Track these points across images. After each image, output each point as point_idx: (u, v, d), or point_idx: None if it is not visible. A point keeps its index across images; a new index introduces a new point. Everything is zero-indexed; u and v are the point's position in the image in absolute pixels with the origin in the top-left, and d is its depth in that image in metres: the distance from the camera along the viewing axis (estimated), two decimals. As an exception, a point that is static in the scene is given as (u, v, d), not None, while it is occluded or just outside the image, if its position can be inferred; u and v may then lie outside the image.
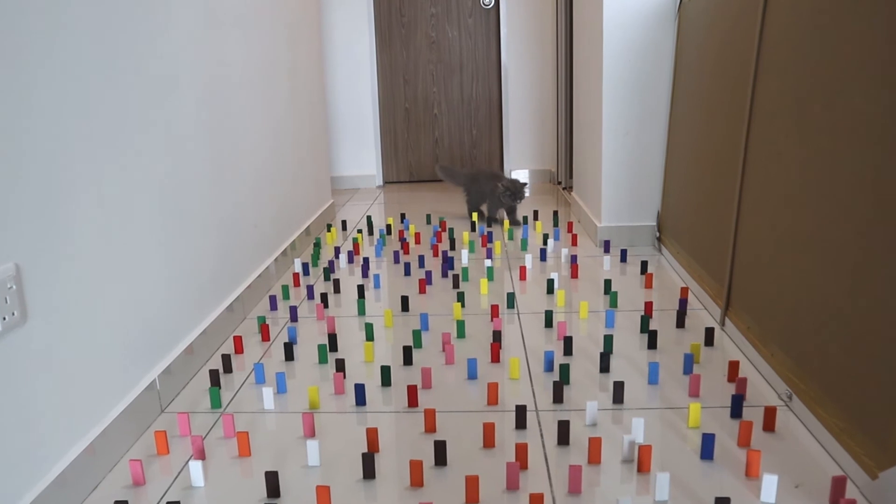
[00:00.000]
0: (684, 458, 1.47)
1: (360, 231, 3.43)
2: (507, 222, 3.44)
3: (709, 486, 1.38)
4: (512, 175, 4.97)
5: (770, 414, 1.55)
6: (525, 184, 3.47)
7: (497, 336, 2.05)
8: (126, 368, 1.64)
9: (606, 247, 2.99)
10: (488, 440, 1.54)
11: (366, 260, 2.85)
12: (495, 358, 1.97)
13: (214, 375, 1.86)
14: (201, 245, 2.08)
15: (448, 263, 2.81)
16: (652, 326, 2.17)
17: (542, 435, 1.58)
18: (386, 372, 1.84)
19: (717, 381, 1.80)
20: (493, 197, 3.53)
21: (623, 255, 2.87)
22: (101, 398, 1.53)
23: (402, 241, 3.15)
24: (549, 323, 2.20)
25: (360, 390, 1.75)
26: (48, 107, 1.34)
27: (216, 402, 1.78)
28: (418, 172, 5.13)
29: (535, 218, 3.65)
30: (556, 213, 3.55)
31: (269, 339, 2.19)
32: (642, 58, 2.86)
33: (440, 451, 1.47)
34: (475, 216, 3.61)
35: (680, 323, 2.15)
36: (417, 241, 3.29)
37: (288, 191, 3.05)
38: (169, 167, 1.87)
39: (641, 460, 1.42)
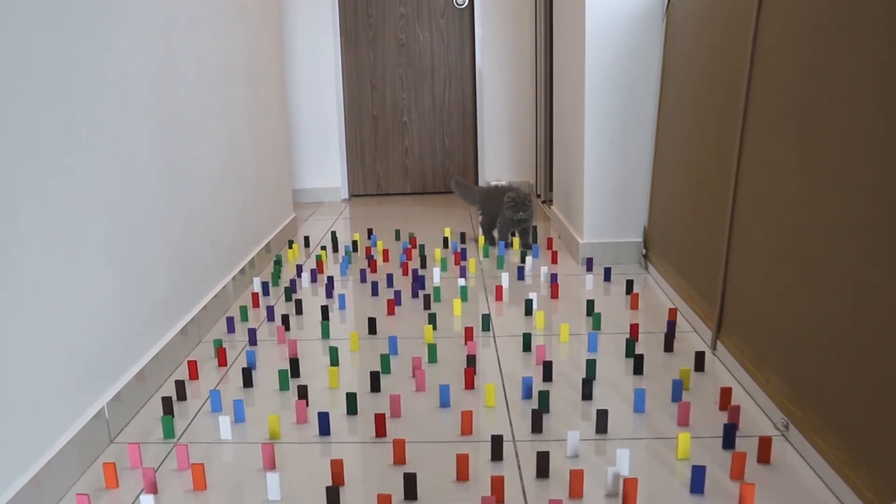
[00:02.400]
0: (673, 492, 1.48)
1: (323, 248, 3.43)
2: (516, 241, 3.41)
3: (698, 520, 1.40)
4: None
5: (765, 444, 1.57)
6: (528, 195, 3.33)
7: (471, 361, 2.06)
8: (72, 395, 1.63)
9: (589, 265, 3.01)
10: (462, 473, 1.54)
11: (330, 279, 2.85)
12: (469, 384, 1.97)
13: (167, 403, 1.85)
14: (153, 263, 2.07)
15: (419, 283, 2.82)
16: (638, 350, 2.19)
17: (519, 467, 1.59)
18: (352, 399, 1.84)
19: (707, 409, 1.82)
20: (503, 215, 3.38)
21: (607, 274, 2.89)
22: (46, 427, 1.52)
23: (370, 258, 3.16)
24: (527, 346, 2.21)
25: (324, 419, 1.75)
26: (-13, 111, 1.34)
27: (169, 432, 1.77)
28: (386, 185, 5.14)
29: (513, 233, 3.66)
30: (535, 228, 3.57)
31: (226, 364, 2.19)
32: (628, 61, 2.90)
33: (410, 484, 1.48)
34: (481, 240, 3.51)
35: (668, 346, 2.17)
36: (386, 259, 3.30)
37: (246, 205, 3.05)
38: (119, 179, 1.86)
39: (627, 494, 1.43)
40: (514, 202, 3.28)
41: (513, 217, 3.30)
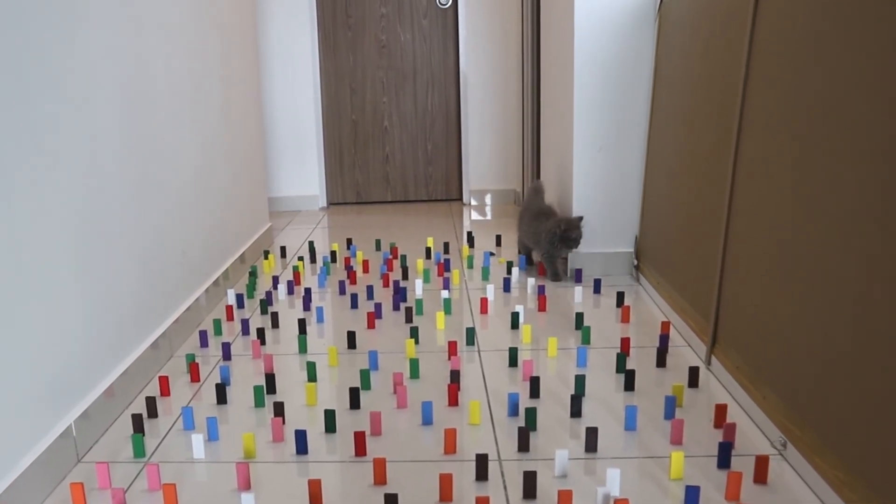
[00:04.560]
0: (665, 512, 1.49)
1: (301, 258, 3.42)
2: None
3: (692, 541, 1.40)
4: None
5: (762, 464, 1.58)
6: (580, 229, 2.94)
7: (455, 376, 2.06)
8: (38, 413, 1.62)
9: (578, 276, 3.02)
10: (445, 493, 1.55)
11: (307, 291, 2.85)
12: (453, 401, 1.98)
13: (137, 420, 1.85)
14: (122, 274, 2.07)
15: (400, 295, 2.82)
16: (629, 365, 2.20)
17: (505, 487, 1.60)
18: (330, 417, 1.84)
19: (702, 426, 1.83)
20: (541, 241, 3.03)
21: (597, 286, 2.91)
22: (10, 446, 1.52)
23: (349, 269, 3.15)
24: (513, 361, 2.22)
25: (301, 437, 1.75)
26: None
27: (139, 451, 1.76)
28: (366, 192, 5.14)
29: (498, 244, 3.68)
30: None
31: (198, 380, 2.18)
32: (618, 64, 2.92)
33: (393, 505, 1.49)
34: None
35: (661, 362, 2.18)
36: (366, 270, 3.30)
37: (220, 213, 3.04)
38: (86, 187, 1.86)
39: (617, 514, 1.45)
40: (555, 237, 2.93)
41: (557, 254, 3.04)
